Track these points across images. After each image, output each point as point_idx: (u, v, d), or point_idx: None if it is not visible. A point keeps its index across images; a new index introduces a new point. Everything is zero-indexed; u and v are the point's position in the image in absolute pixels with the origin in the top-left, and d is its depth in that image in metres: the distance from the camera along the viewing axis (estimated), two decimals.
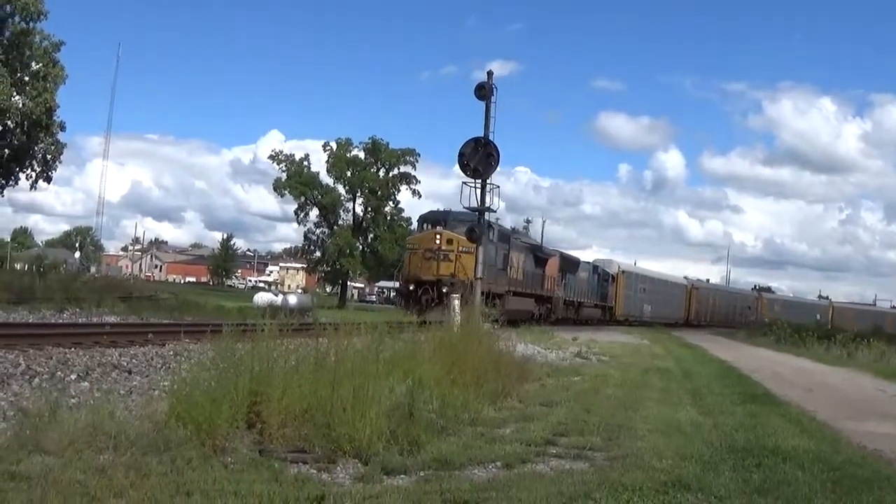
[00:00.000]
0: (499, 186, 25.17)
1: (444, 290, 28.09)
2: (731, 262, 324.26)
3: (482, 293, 23.96)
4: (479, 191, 23.64)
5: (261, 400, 7.23)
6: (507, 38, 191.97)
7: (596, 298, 55.76)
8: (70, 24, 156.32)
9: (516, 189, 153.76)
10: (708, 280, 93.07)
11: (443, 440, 7.93)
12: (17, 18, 41.03)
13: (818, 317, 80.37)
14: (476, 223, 24.39)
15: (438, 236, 30.60)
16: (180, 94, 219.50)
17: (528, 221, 72.63)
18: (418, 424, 7.83)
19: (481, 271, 24.50)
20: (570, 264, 48.98)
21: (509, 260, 35.98)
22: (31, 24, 41.36)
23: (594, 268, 56.61)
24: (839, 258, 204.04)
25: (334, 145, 66.31)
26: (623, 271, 62.50)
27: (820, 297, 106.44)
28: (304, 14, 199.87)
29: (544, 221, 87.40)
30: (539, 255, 42.16)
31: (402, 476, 6.58)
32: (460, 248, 29.57)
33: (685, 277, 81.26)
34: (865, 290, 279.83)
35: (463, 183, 24.07)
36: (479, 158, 22.90)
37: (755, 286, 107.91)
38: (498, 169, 23.63)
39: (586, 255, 60.83)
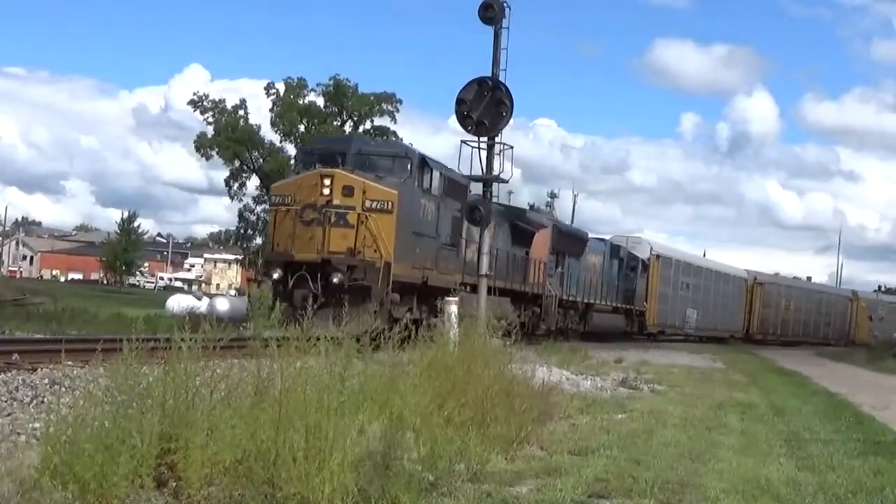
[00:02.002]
0: (512, 147, 25.19)
1: (335, 281, 22.60)
2: (843, 253, 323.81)
3: (403, 284, 23.71)
4: (484, 153, 23.69)
5: (176, 447, 7.21)
6: None
7: (615, 298, 50.82)
8: None
9: (537, 150, 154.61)
10: (807, 277, 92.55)
11: (433, 502, 7.92)
12: None
13: None
14: (479, 199, 24.42)
15: (328, 181, 23.60)
16: (59, 12, 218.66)
17: (552, 196, 72.90)
18: (398, 480, 7.84)
19: (480, 260, 24.54)
20: (571, 242, 43.73)
21: (465, 230, 29.30)
22: None
23: (613, 249, 51.50)
24: None
25: (281, 88, 66.10)
26: (659, 256, 58.73)
27: None
28: None
29: (576, 195, 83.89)
30: (519, 224, 36.80)
31: None
32: (368, 204, 23.71)
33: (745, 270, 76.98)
34: None
35: (462, 141, 24.16)
36: (484, 107, 23.00)
37: (880, 287, 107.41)
38: (511, 122, 23.63)
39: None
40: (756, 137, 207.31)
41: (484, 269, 24.79)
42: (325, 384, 8.14)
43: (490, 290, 27.63)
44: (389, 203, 23.54)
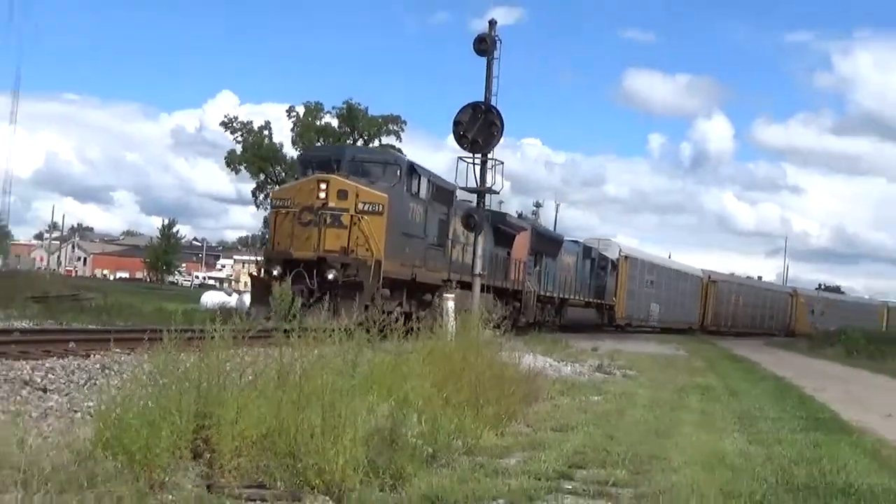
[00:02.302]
0: (503, 162, 25.08)
1: (329, 277, 21.71)
2: (789, 256, 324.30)
3: (392, 280, 23.18)
4: (478, 168, 23.66)
5: (210, 424, 7.20)
6: None
7: (588, 293, 50.10)
8: None
9: (524, 166, 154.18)
10: (758, 276, 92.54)
11: (433, 472, 7.93)
12: None
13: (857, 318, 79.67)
14: (475, 207, 24.44)
15: (324, 185, 22.76)
16: (108, 44, 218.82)
17: (537, 205, 72.85)
18: (403, 453, 7.83)
19: (474, 262, 24.54)
20: (548, 243, 42.62)
21: (451, 231, 28.31)
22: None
23: (586, 250, 50.82)
24: None
25: (301, 111, 66.06)
26: (627, 257, 57.60)
27: None
28: None
29: (558, 205, 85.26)
30: (501, 227, 34.85)
31: None
32: (360, 206, 22.84)
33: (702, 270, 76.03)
34: None
35: (459, 158, 24.07)
36: (478, 128, 22.96)
37: (820, 285, 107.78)
38: (502, 141, 23.62)
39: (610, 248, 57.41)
40: (714, 155, 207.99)
41: (478, 269, 24.76)
42: (338, 370, 8.15)
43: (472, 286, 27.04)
44: (380, 206, 22.81)
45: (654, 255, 68.33)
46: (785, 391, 20.20)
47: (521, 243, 36.89)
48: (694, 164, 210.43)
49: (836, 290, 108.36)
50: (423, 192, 25.64)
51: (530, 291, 38.01)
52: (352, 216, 22.53)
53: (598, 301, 51.86)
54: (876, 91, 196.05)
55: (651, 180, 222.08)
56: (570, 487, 7.96)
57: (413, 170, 25.31)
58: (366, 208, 22.71)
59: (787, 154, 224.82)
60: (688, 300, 68.91)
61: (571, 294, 46.00)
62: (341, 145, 25.30)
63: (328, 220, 22.51)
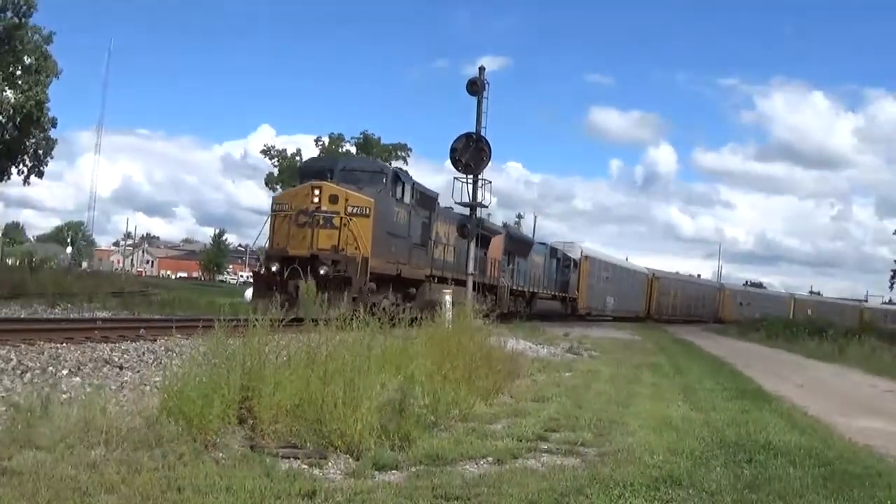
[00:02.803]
0: (490, 182, 24.97)
1: (321, 272, 20.35)
2: (723, 258, 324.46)
3: (379, 276, 21.93)
4: (470, 186, 23.68)
5: (252, 395, 7.24)
6: (497, 34, 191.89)
7: (554, 288, 48.08)
8: (61, 17, 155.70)
9: (508, 184, 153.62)
10: (698, 274, 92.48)
11: (434, 436, 7.96)
12: (8, 13, 41.03)
13: (772, 307, 79.89)
14: (468, 217, 24.38)
15: (317, 191, 21.52)
16: (172, 89, 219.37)
17: (519, 216, 72.58)
18: (409, 420, 7.85)
19: (467, 263, 24.54)
20: (520, 245, 40.51)
21: (433, 232, 27.07)
22: (22, 19, 41.34)
23: (552, 251, 48.62)
24: (831, 254, 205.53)
25: (326, 140, 65.87)
26: (587, 256, 55.37)
27: (814, 291, 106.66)
28: (295, 8, 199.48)
29: (536, 217, 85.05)
30: (480, 231, 31.06)
31: (394, 471, 6.60)
32: (349, 209, 21.50)
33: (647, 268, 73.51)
34: (857, 287, 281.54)
35: (454, 178, 24.06)
36: (470, 154, 22.90)
37: (747, 282, 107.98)
38: (489, 164, 23.59)
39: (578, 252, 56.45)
40: (662, 176, 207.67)
41: (471, 268, 24.71)
42: (357, 352, 8.18)
43: (453, 281, 26.39)
44: (367, 209, 21.46)
45: (610, 255, 66.69)
46: (719, 368, 20.24)
47: (497, 245, 35.55)
48: (645, 184, 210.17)
49: (759, 285, 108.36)
50: (408, 198, 24.31)
51: (504, 286, 36.42)
52: (342, 218, 21.31)
53: (563, 294, 50.02)
54: (789, 125, 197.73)
55: (611, 196, 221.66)
56: (546, 447, 8.00)
57: (398, 177, 24.26)
58: (354, 211, 21.46)
59: (720, 176, 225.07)
60: (636, 293, 67.23)
61: (540, 288, 44.52)
62: (334, 156, 22.88)
63: (321, 222, 21.37)
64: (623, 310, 61.35)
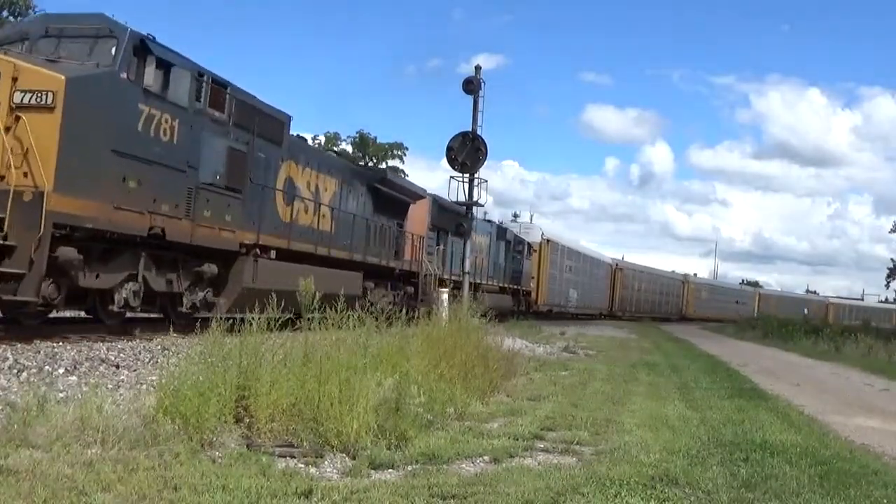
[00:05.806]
0: (486, 181, 24.85)
1: None
2: (719, 257, 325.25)
3: (95, 232, 11.87)
4: (466, 185, 23.71)
5: (249, 394, 7.23)
6: (493, 32, 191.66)
7: (502, 279, 38.57)
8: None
9: (504, 183, 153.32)
10: (693, 273, 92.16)
11: (430, 434, 7.94)
12: (4, 13, 41.05)
13: (736, 302, 79.95)
14: (463, 216, 24.39)
15: None
16: None
17: (515, 216, 72.55)
18: (406, 419, 7.84)
19: (463, 260, 24.49)
20: (454, 219, 27.07)
21: (314, 190, 18.84)
22: (18, 19, 41.36)
23: (500, 231, 38.81)
24: (828, 252, 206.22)
25: (322, 139, 66.01)
26: (549, 241, 46.60)
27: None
28: (289, 7, 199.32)
29: (531, 216, 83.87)
30: (384, 190, 23.33)
31: (390, 470, 6.60)
32: (20, 97, 10.99)
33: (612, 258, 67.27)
34: (854, 285, 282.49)
35: (451, 177, 24.02)
36: (467, 152, 22.94)
37: (742, 280, 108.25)
38: (486, 163, 23.58)
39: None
40: (658, 175, 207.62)
41: (467, 267, 24.71)
42: (352, 350, 8.17)
43: (341, 264, 19.44)
44: (49, 95, 10.91)
45: (573, 240, 57.96)
46: (716, 366, 20.27)
47: (419, 216, 26.79)
48: (642, 182, 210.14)
49: (755, 284, 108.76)
50: (182, 94, 13.53)
51: (430, 274, 27.04)
52: (7, 114, 10.94)
53: (514, 287, 40.63)
54: (785, 124, 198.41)
55: (607, 195, 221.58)
56: (542, 446, 8.00)
57: (148, 50, 12.61)
58: (30, 101, 10.95)
59: (716, 174, 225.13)
60: (600, 286, 60.39)
61: (484, 279, 34.76)
62: (44, 14, 13.80)
63: None
64: (586, 305, 55.91)
